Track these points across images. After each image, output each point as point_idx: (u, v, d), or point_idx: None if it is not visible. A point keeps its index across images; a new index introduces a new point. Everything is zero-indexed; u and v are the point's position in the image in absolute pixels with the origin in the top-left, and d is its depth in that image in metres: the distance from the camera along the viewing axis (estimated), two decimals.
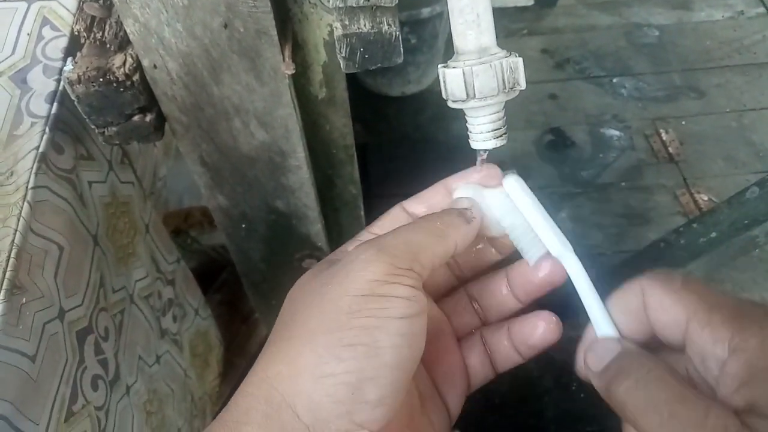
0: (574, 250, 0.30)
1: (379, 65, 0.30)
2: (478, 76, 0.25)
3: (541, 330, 0.30)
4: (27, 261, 0.35)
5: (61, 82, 0.43)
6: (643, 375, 0.24)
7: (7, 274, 0.33)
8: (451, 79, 0.26)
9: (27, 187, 0.37)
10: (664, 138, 1.36)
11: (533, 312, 0.32)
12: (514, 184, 0.30)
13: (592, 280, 0.29)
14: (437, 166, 1.35)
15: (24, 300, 0.33)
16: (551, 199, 1.25)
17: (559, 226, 0.31)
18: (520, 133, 1.37)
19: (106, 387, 0.42)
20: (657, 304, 0.26)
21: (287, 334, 0.25)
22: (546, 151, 1.35)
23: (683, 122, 1.40)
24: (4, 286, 0.32)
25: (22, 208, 0.36)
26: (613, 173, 1.31)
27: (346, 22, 0.29)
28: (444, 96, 0.27)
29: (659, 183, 1.29)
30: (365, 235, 0.32)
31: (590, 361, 0.27)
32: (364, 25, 0.29)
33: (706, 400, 0.23)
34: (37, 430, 0.33)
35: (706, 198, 1.24)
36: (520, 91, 0.27)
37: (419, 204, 0.32)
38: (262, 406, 0.24)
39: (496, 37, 0.26)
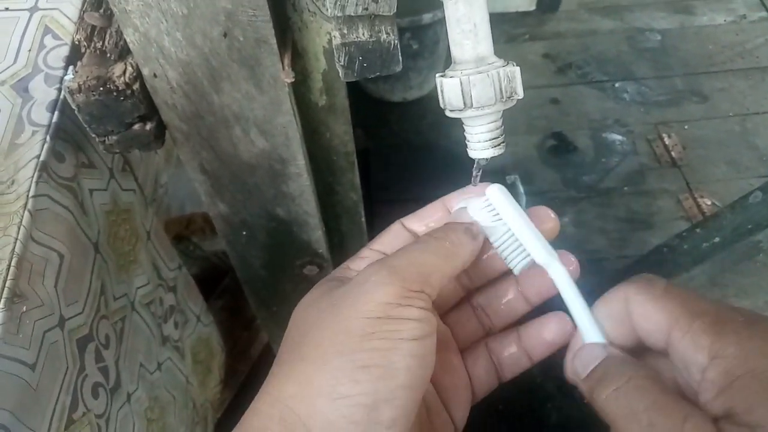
0: (559, 258, 0.30)
1: (377, 74, 0.30)
2: (475, 85, 0.25)
3: (555, 328, 0.31)
4: (27, 269, 0.35)
5: (63, 91, 0.43)
6: (623, 383, 0.25)
7: (8, 283, 0.33)
8: (449, 89, 0.26)
9: (28, 195, 0.37)
10: (666, 142, 1.36)
11: (546, 314, 0.32)
12: (496, 193, 0.31)
13: (579, 287, 0.30)
14: (438, 172, 1.36)
15: (24, 308, 0.33)
16: (554, 203, 1.25)
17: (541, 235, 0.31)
18: (522, 137, 1.37)
19: (106, 395, 0.42)
20: (640, 311, 0.26)
21: (299, 354, 0.26)
22: (548, 156, 1.35)
23: (686, 126, 1.40)
24: (4, 295, 0.32)
25: (22, 216, 0.36)
26: (615, 178, 1.31)
27: (345, 31, 0.29)
28: (442, 105, 0.27)
29: (662, 187, 1.28)
30: (366, 252, 0.32)
31: (576, 367, 0.28)
32: (362, 33, 0.29)
33: (684, 408, 0.23)
34: None
35: (709, 202, 1.24)
36: (531, 98, 0.27)
37: (419, 221, 0.33)
38: (277, 426, 0.24)
39: (498, 42, 0.26)
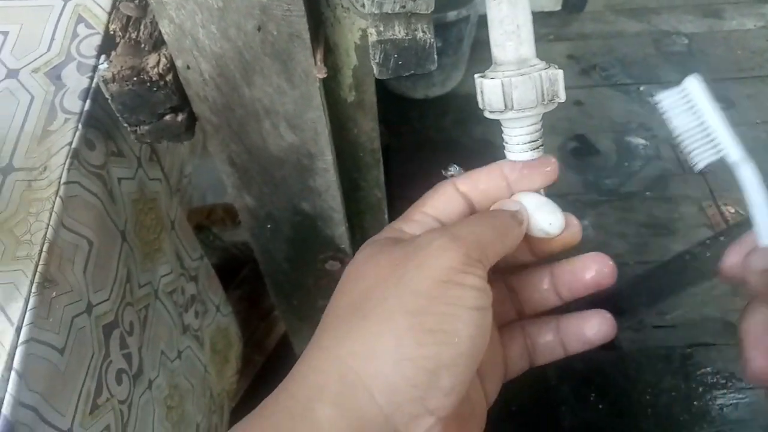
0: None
1: (412, 72, 0.30)
2: (517, 87, 0.25)
3: (597, 327, 0.31)
4: (58, 255, 0.35)
5: (95, 80, 0.44)
6: None
7: (39, 268, 0.33)
8: (489, 90, 0.25)
9: (59, 182, 0.37)
10: None
11: (589, 310, 0.32)
12: (694, 84, 0.30)
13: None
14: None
15: (54, 293, 0.34)
16: (574, 206, 1.24)
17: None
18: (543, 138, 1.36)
19: (129, 381, 0.43)
20: None
21: (361, 311, 0.25)
22: (570, 158, 1.34)
23: None
24: (36, 279, 0.33)
25: (54, 202, 0.36)
26: (638, 182, 1.29)
27: (381, 28, 0.29)
28: (481, 106, 0.27)
29: (685, 194, 1.27)
30: (418, 215, 0.31)
31: (752, 262, 0.29)
32: (398, 31, 0.29)
33: None
34: (63, 421, 0.33)
35: (733, 210, 1.22)
36: (563, 100, 0.27)
37: (473, 184, 0.31)
38: (336, 384, 0.24)
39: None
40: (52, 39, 0.46)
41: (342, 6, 0.36)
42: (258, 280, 1.06)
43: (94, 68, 0.44)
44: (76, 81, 0.44)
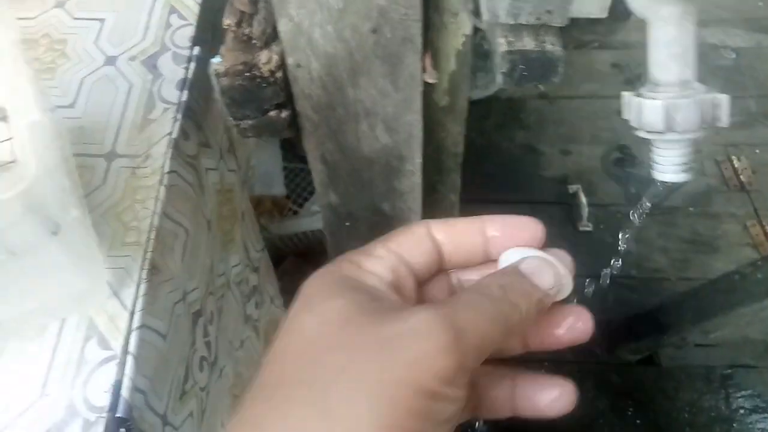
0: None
1: (535, 83, 0.30)
2: (680, 110, 0.25)
3: (554, 397, 0.27)
4: (162, 242, 0.36)
5: (190, 70, 0.44)
6: None
7: (148, 255, 0.34)
8: (650, 111, 0.25)
9: (162, 171, 0.38)
10: (735, 165, 1.32)
11: (551, 377, 0.27)
12: None
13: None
14: (499, 174, 1.35)
15: (160, 280, 0.35)
16: (615, 218, 1.23)
17: None
18: (586, 147, 1.35)
19: (208, 368, 0.44)
20: None
21: (323, 378, 0.22)
22: (612, 168, 1.33)
23: (757, 150, 1.36)
24: (146, 266, 0.34)
25: (159, 191, 0.37)
26: (680, 197, 1.28)
27: (511, 39, 0.30)
28: (635, 125, 0.27)
29: (729, 211, 1.25)
30: (382, 251, 0.26)
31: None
32: (527, 43, 0.29)
33: None
34: (161, 406, 0.34)
35: None
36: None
37: (448, 237, 0.28)
38: None
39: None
40: (147, 28, 0.47)
41: (450, 11, 0.37)
42: (298, 273, 1.07)
43: (189, 59, 0.45)
44: (171, 71, 0.44)
